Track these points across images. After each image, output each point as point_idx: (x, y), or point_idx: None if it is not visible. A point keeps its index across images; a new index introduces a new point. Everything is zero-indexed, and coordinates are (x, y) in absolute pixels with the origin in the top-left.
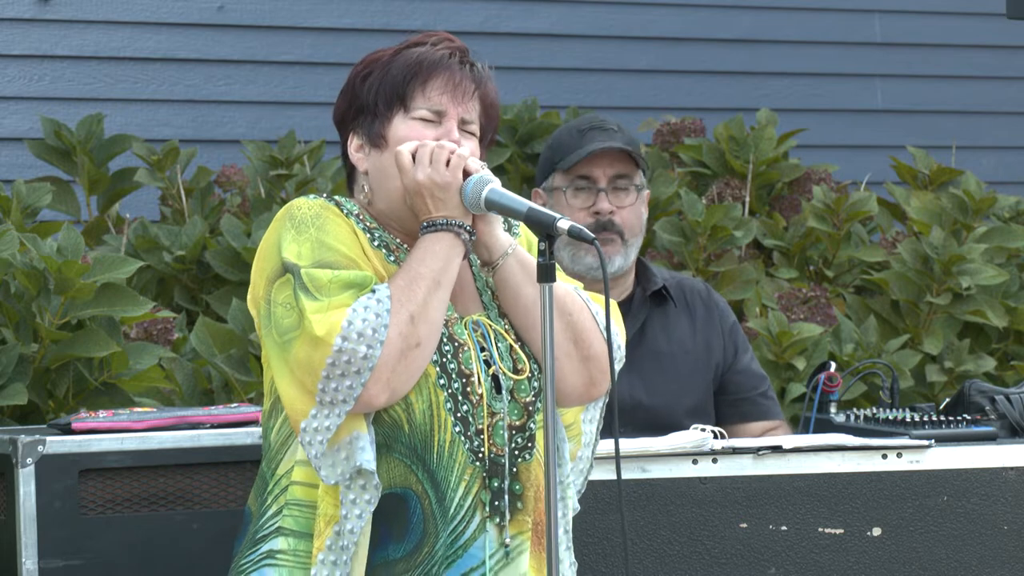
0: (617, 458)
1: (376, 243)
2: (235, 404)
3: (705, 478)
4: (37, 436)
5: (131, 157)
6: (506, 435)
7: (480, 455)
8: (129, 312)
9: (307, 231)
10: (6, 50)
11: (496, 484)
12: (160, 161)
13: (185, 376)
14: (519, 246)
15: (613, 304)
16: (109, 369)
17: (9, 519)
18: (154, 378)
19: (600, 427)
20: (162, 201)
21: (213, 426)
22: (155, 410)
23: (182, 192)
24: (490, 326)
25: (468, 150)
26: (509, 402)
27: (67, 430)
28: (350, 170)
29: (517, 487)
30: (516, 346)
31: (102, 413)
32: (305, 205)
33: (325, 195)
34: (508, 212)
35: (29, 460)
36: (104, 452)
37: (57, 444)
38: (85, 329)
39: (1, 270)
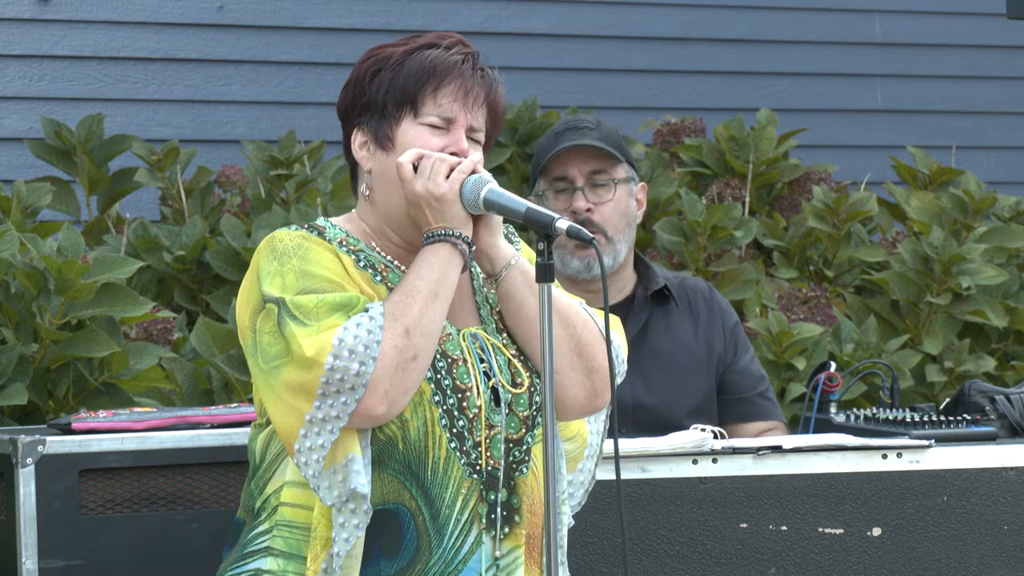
0: (617, 458)
1: (361, 264)
2: (235, 404)
3: (705, 478)
4: (37, 436)
5: (131, 157)
6: (503, 448)
7: (477, 468)
8: (129, 312)
9: (289, 262)
10: (6, 50)
11: (492, 497)
12: (160, 161)
13: (185, 376)
14: (522, 258)
15: (615, 317)
16: (109, 369)
17: (9, 519)
18: (154, 378)
19: (604, 438)
20: (162, 201)
21: (213, 426)
22: (155, 410)
23: (182, 192)
24: (488, 340)
25: (471, 162)
26: (507, 415)
27: (67, 430)
28: (353, 165)
29: (515, 501)
30: (515, 360)
31: (102, 413)
32: (286, 237)
33: (307, 225)
34: (507, 212)
35: (29, 460)
36: (104, 452)
37: (57, 444)
38: (85, 329)
39: (1, 270)
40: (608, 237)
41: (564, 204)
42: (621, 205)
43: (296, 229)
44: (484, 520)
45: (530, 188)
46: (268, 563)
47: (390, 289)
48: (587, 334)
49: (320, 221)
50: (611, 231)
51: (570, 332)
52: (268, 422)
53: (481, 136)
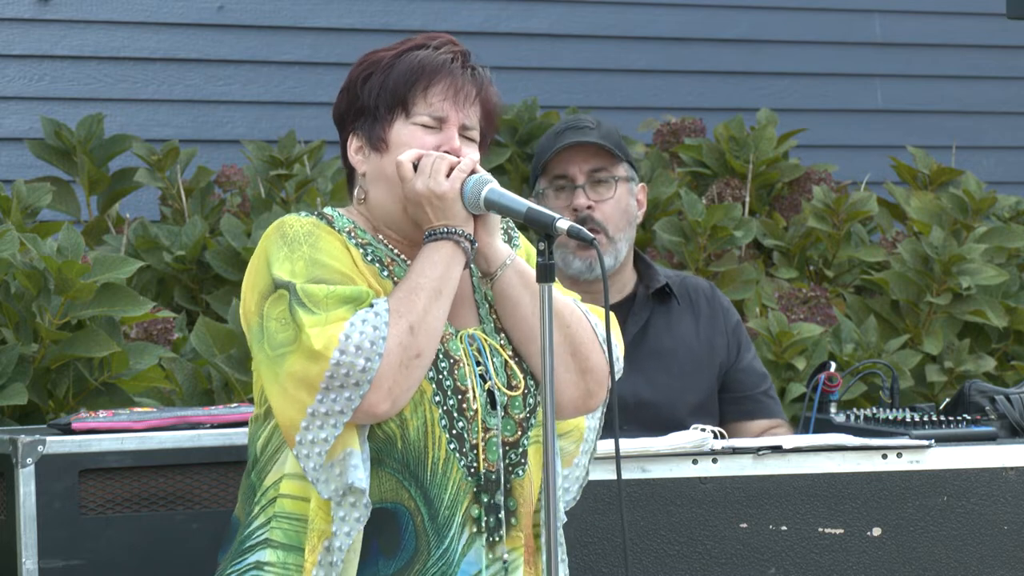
0: (617, 458)
1: (369, 258)
2: (235, 404)
3: (705, 478)
4: (37, 436)
5: (131, 157)
6: (500, 451)
7: (473, 470)
8: (129, 312)
9: (299, 248)
10: (6, 50)
11: (487, 499)
12: (160, 161)
13: (185, 376)
14: (518, 257)
15: (612, 316)
16: (109, 369)
17: (9, 519)
18: (154, 378)
19: (599, 435)
20: (162, 201)
21: (213, 426)
22: (155, 410)
23: (182, 192)
24: (485, 340)
25: (470, 161)
26: (503, 418)
27: (67, 430)
28: (350, 171)
29: (511, 503)
30: (512, 362)
31: (102, 413)
32: (297, 223)
33: (316, 212)
34: (507, 212)
35: (29, 460)
36: (104, 452)
37: (57, 444)
38: (85, 329)
39: (1, 270)
40: (609, 236)
41: (564, 202)
42: (622, 203)
43: (306, 215)
44: (479, 523)
45: (530, 188)
46: (268, 555)
47: (396, 283)
48: (581, 333)
49: (327, 210)
50: (612, 229)
51: (565, 332)
52: (266, 413)
53: (475, 134)
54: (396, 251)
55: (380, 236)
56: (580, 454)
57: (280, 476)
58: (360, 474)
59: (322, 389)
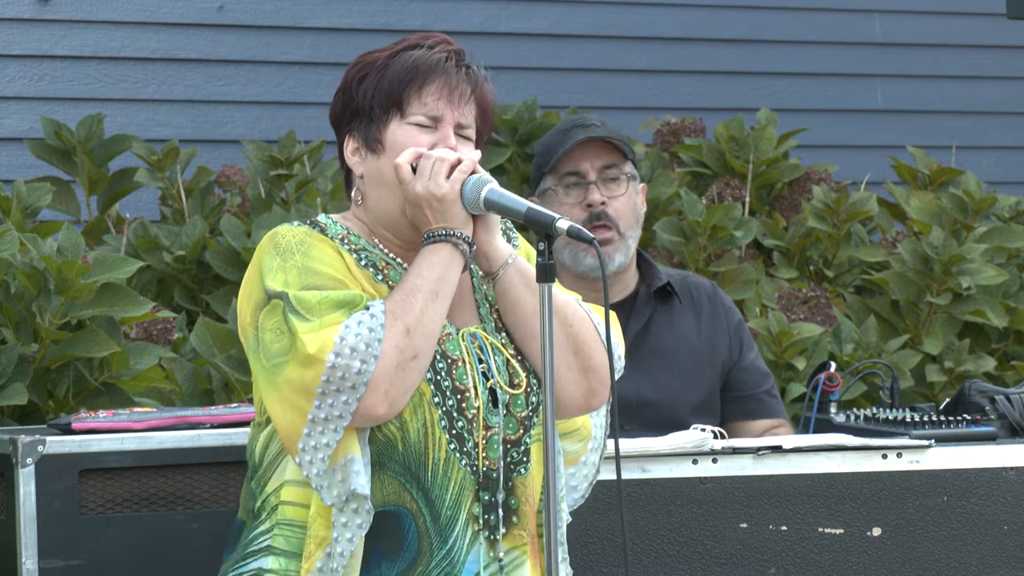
0: (617, 458)
1: (363, 263)
2: (235, 404)
3: (705, 478)
4: (37, 436)
5: (131, 157)
6: (500, 449)
7: (474, 469)
8: (129, 312)
9: (292, 258)
10: (6, 50)
11: (488, 498)
12: (160, 161)
13: (185, 376)
14: (519, 256)
15: (612, 315)
16: (109, 369)
17: (9, 519)
18: (154, 378)
19: (606, 432)
20: (162, 201)
21: (213, 426)
22: (155, 410)
23: (182, 192)
24: (487, 339)
25: (471, 162)
26: (505, 416)
27: (67, 430)
28: (347, 172)
29: (513, 501)
30: (513, 360)
31: (102, 413)
32: (289, 233)
33: (309, 221)
34: (507, 212)
35: (29, 460)
36: (104, 452)
37: (57, 444)
38: (85, 329)
39: (1, 270)
40: (620, 232)
41: (576, 199)
42: (631, 200)
43: (298, 225)
44: (480, 521)
45: (532, 187)
46: (270, 562)
47: (391, 287)
48: (584, 331)
49: (321, 218)
50: (623, 226)
51: (567, 331)
52: (267, 421)
53: (471, 132)
54: (391, 255)
55: (376, 240)
56: (588, 452)
57: (281, 483)
58: (362, 480)
59: (319, 394)
